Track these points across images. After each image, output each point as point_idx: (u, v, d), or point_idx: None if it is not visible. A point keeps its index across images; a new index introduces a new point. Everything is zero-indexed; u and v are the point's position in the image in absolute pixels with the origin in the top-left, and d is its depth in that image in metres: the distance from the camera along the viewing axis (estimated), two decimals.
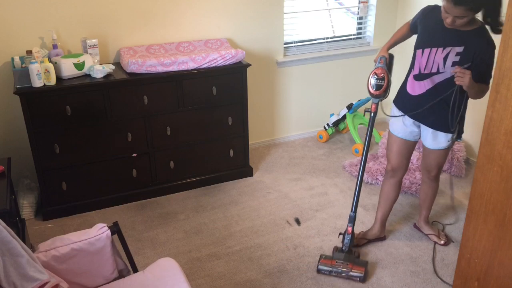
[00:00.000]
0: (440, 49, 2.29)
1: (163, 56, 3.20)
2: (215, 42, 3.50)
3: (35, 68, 2.77)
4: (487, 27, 2.18)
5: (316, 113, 4.30)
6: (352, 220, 2.63)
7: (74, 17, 3.16)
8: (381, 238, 2.87)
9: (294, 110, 4.20)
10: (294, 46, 4.05)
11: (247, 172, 3.63)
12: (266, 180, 3.60)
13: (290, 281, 2.57)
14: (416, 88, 2.45)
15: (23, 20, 3.03)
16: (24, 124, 2.89)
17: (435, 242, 2.83)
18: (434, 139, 2.52)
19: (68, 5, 3.12)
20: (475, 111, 3.63)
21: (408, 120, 2.54)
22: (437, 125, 2.46)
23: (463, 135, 3.76)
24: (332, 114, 4.26)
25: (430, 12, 2.38)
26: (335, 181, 3.57)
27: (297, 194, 3.39)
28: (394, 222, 3.06)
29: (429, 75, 2.37)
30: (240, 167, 3.60)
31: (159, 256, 2.77)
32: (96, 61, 3.16)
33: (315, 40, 4.14)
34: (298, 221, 3.08)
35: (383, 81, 2.43)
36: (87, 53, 3.12)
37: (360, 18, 4.27)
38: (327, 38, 4.19)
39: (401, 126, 2.58)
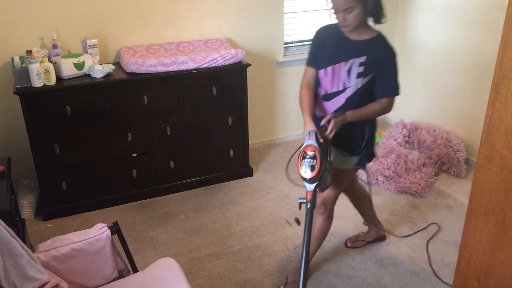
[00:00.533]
0: (343, 63, 2.14)
1: (163, 56, 3.20)
2: (215, 42, 3.50)
3: (35, 68, 2.77)
4: (371, 20, 2.10)
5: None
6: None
7: (74, 17, 3.16)
8: (381, 238, 2.86)
9: (294, 110, 4.20)
10: (294, 46, 4.05)
11: (247, 172, 3.63)
12: (266, 180, 3.60)
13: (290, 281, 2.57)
14: (326, 109, 2.25)
15: (23, 20, 3.03)
16: (24, 124, 2.89)
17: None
18: (338, 159, 2.28)
19: (68, 5, 3.12)
20: (475, 111, 3.63)
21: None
22: (342, 146, 2.27)
23: (464, 135, 3.78)
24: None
25: (322, 32, 2.25)
26: None
27: (297, 194, 3.39)
28: (394, 222, 3.06)
29: (337, 93, 2.19)
30: (240, 167, 3.60)
31: (159, 256, 2.77)
32: (96, 61, 3.16)
33: None
34: (298, 221, 3.07)
35: (315, 161, 1.96)
36: (87, 53, 3.12)
37: None
38: None
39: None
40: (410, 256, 2.74)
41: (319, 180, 2.00)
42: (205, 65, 3.16)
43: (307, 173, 1.98)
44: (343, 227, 3.02)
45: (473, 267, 1.89)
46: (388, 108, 2.20)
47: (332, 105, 2.23)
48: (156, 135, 3.23)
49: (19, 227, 2.56)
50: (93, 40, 3.15)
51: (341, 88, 2.17)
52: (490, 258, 1.80)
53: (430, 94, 4.09)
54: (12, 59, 2.90)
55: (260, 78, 3.90)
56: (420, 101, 4.21)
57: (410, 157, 3.59)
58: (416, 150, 3.82)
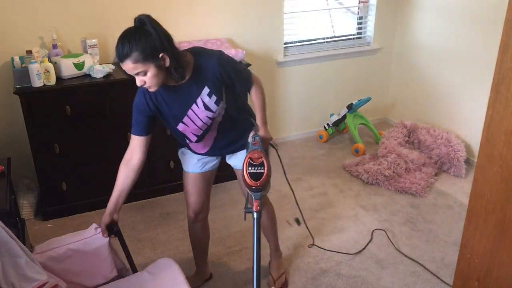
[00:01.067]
0: (194, 105, 1.96)
1: None
2: (215, 42, 3.50)
3: (35, 68, 2.77)
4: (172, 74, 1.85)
5: (316, 113, 4.30)
6: None
7: (74, 17, 3.16)
8: (208, 279, 2.59)
9: (294, 110, 4.20)
10: (294, 46, 4.05)
11: None
12: None
13: (290, 281, 2.56)
14: (205, 144, 2.14)
15: (23, 20, 3.03)
16: (24, 124, 2.89)
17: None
18: (239, 159, 2.20)
19: (68, 5, 3.11)
20: (475, 111, 3.63)
21: (204, 156, 2.24)
22: (237, 149, 2.21)
23: (464, 135, 3.78)
24: (332, 114, 4.25)
25: (143, 101, 2.01)
26: (335, 181, 3.57)
27: (297, 194, 3.39)
28: (394, 222, 3.06)
29: (207, 130, 2.06)
30: None
31: (159, 256, 2.77)
32: (96, 61, 3.16)
33: (315, 40, 4.14)
34: (298, 221, 3.07)
35: (262, 168, 1.77)
36: (87, 53, 3.12)
37: (360, 18, 4.27)
38: (327, 38, 4.19)
39: (195, 162, 2.25)
40: (410, 256, 2.74)
41: (266, 185, 1.81)
42: None
43: (256, 181, 1.76)
44: (343, 227, 3.02)
45: (473, 267, 1.89)
46: (260, 85, 2.12)
47: (208, 141, 2.12)
48: (156, 135, 3.20)
49: (19, 227, 2.56)
50: (93, 40, 3.15)
51: (209, 123, 2.03)
52: (490, 258, 1.80)
53: (430, 94, 4.09)
54: (12, 59, 2.90)
55: (260, 78, 3.89)
56: (420, 101, 4.22)
57: (410, 157, 3.59)
58: (416, 150, 3.82)
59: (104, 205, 3.22)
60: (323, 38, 4.17)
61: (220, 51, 1.99)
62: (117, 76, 3.03)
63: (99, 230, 2.02)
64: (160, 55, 1.78)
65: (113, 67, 3.07)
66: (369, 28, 4.29)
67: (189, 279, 2.23)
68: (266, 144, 2.08)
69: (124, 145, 3.14)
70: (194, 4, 3.45)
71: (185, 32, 3.49)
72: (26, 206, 3.11)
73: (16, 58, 2.90)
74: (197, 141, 2.12)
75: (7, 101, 3.10)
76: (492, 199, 1.73)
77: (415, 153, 3.66)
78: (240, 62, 2.00)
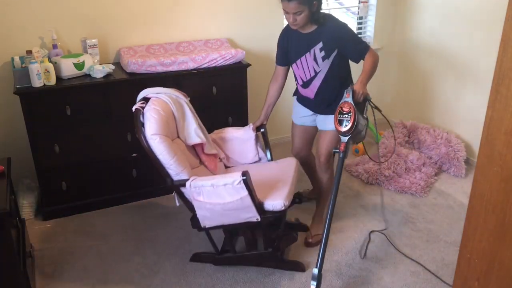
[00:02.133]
0: (307, 54, 2.56)
1: (163, 56, 3.20)
2: (215, 42, 3.50)
3: (35, 68, 2.77)
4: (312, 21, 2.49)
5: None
6: (316, 279, 2.31)
7: (74, 17, 3.16)
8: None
9: None
10: None
11: None
12: None
13: (290, 281, 2.57)
14: (308, 93, 2.72)
15: (23, 20, 3.03)
16: (24, 124, 2.89)
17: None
18: (326, 122, 2.71)
19: (68, 5, 3.11)
20: (475, 111, 3.63)
21: (308, 112, 2.82)
22: (325, 111, 2.71)
23: (464, 135, 3.78)
24: None
25: (283, 35, 2.70)
26: None
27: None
28: (394, 222, 3.06)
29: (311, 80, 2.64)
30: None
31: (159, 256, 2.77)
32: (96, 61, 3.16)
33: None
34: (298, 221, 3.07)
35: (349, 116, 2.35)
36: (87, 53, 3.12)
37: (360, 18, 4.27)
38: None
39: (303, 116, 2.85)
40: (410, 256, 2.74)
41: (352, 133, 2.35)
42: (205, 65, 3.16)
43: (342, 127, 2.35)
44: (343, 227, 3.02)
45: (473, 267, 1.89)
46: (375, 56, 2.52)
47: (310, 90, 2.69)
48: None
49: (19, 227, 2.56)
50: (93, 40, 3.15)
51: (313, 74, 2.61)
52: (490, 258, 1.80)
53: (430, 94, 4.09)
54: (12, 59, 2.91)
55: (260, 78, 3.89)
56: (420, 101, 4.22)
57: (410, 157, 3.60)
58: (416, 150, 3.82)
59: (104, 205, 3.25)
60: None
61: (345, 23, 2.54)
62: (117, 76, 3.04)
63: (250, 126, 2.87)
64: (314, 2, 2.40)
65: (113, 67, 3.07)
66: (369, 28, 4.29)
67: (308, 192, 3.27)
68: (358, 97, 2.42)
69: (124, 145, 3.16)
70: (194, 4, 3.45)
71: (185, 32, 3.49)
72: (26, 206, 3.11)
73: (16, 58, 2.90)
74: (302, 86, 2.71)
75: (7, 101, 3.10)
76: (492, 199, 1.73)
77: (415, 153, 3.66)
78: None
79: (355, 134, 2.39)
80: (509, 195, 1.66)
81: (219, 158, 2.85)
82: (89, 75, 3.02)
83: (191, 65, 3.13)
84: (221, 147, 2.90)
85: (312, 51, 2.54)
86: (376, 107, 2.63)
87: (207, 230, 2.51)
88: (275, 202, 2.37)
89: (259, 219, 2.37)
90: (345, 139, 2.39)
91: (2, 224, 2.09)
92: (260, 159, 2.92)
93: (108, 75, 3.03)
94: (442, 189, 3.44)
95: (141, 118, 2.38)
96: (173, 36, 3.47)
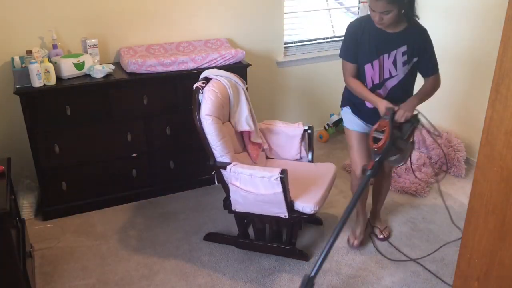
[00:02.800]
0: (386, 55, 2.35)
1: (163, 56, 3.20)
2: (215, 42, 3.50)
3: (35, 68, 2.77)
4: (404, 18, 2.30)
5: (316, 113, 4.30)
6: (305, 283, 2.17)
7: (74, 17, 3.16)
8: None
9: (294, 110, 4.20)
10: (294, 46, 4.05)
11: None
12: None
13: (290, 281, 2.57)
14: (379, 93, 2.47)
15: (23, 20, 3.03)
16: (24, 124, 2.89)
17: (375, 235, 2.91)
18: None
19: (68, 5, 3.11)
20: (475, 111, 3.63)
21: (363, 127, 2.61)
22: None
23: (464, 135, 3.78)
24: (332, 114, 4.25)
25: (357, 27, 2.39)
26: (335, 182, 3.56)
27: None
28: (394, 222, 3.06)
29: (382, 82, 2.42)
30: None
31: (160, 256, 2.77)
32: (96, 61, 3.16)
33: (315, 40, 4.14)
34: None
35: (382, 135, 2.18)
36: (87, 53, 3.12)
37: None
38: (327, 38, 4.19)
39: (361, 125, 2.61)
40: (410, 256, 2.74)
41: (383, 154, 2.16)
42: (205, 65, 3.16)
43: (374, 144, 2.21)
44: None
45: (473, 267, 1.89)
46: (439, 82, 2.42)
47: (382, 91, 2.45)
48: (156, 135, 3.23)
49: (18, 227, 2.56)
50: (93, 40, 3.15)
51: (387, 76, 2.40)
52: (490, 258, 1.80)
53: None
54: (12, 59, 2.90)
55: (260, 78, 3.90)
56: None
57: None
58: (416, 150, 3.81)
59: (104, 205, 3.25)
60: (323, 38, 4.17)
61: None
62: (117, 76, 3.03)
63: (300, 125, 2.91)
64: (406, 1, 2.20)
65: (113, 67, 3.07)
66: None
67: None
68: (399, 118, 2.28)
69: (124, 145, 3.16)
70: (194, 4, 3.45)
71: (185, 32, 3.49)
72: (26, 206, 3.11)
73: (16, 58, 2.90)
74: (371, 89, 2.43)
75: (7, 101, 3.10)
76: (492, 199, 1.73)
77: (415, 153, 3.66)
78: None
79: (389, 155, 2.20)
80: (509, 195, 1.66)
81: (263, 148, 2.95)
82: (89, 75, 3.02)
83: (191, 65, 3.13)
84: (267, 137, 2.98)
85: (393, 53, 2.34)
86: (431, 132, 2.54)
87: (236, 214, 2.64)
88: (306, 205, 2.44)
89: (287, 216, 2.47)
90: (376, 157, 2.20)
91: (2, 224, 2.09)
92: (301, 158, 2.96)
93: (108, 75, 3.03)
94: (442, 189, 3.44)
95: (199, 97, 2.53)
96: (173, 36, 3.47)
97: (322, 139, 4.24)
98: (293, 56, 3.99)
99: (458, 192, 3.40)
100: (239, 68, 3.28)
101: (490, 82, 1.63)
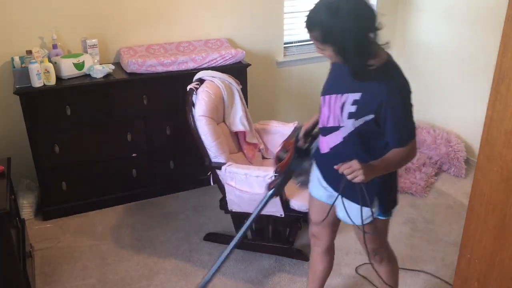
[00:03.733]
0: (339, 95, 1.72)
1: (163, 56, 3.20)
2: (215, 42, 3.50)
3: (35, 68, 2.77)
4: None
5: (316, 113, 4.29)
6: None
7: (74, 17, 3.16)
8: None
9: (294, 110, 4.19)
10: (294, 46, 4.05)
11: None
12: None
13: (290, 281, 2.57)
14: (324, 145, 1.85)
15: (23, 20, 3.03)
16: (24, 124, 2.89)
17: None
18: (346, 210, 1.86)
19: (68, 5, 3.11)
20: (475, 111, 3.63)
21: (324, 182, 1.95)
22: (346, 192, 1.80)
23: (464, 135, 3.78)
24: None
25: None
26: None
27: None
28: (395, 222, 3.06)
29: (332, 129, 1.77)
30: None
31: (160, 256, 2.77)
32: (96, 61, 3.16)
33: None
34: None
35: (286, 155, 1.83)
36: (87, 53, 3.12)
37: None
38: None
39: (318, 186, 1.97)
40: (410, 256, 2.74)
41: (285, 173, 1.86)
42: (205, 65, 3.16)
43: (275, 162, 1.89)
44: (343, 227, 3.02)
45: (473, 267, 1.89)
46: (411, 156, 1.73)
47: (326, 143, 1.82)
48: (156, 135, 3.23)
49: (19, 227, 2.56)
50: (93, 40, 3.15)
51: (336, 124, 1.75)
52: (490, 258, 1.80)
53: (430, 94, 4.09)
54: (12, 59, 2.90)
55: (260, 78, 3.89)
56: (420, 101, 4.20)
57: None
58: (417, 150, 3.81)
59: (104, 205, 3.25)
60: None
61: (408, 90, 1.64)
62: (117, 76, 3.03)
63: (296, 123, 2.75)
64: (339, 44, 1.55)
65: (113, 67, 3.07)
66: None
67: None
68: (351, 175, 1.61)
69: (124, 145, 3.16)
70: (194, 4, 3.45)
71: (185, 32, 3.49)
72: (26, 206, 3.11)
73: (16, 58, 2.90)
74: (322, 132, 1.86)
75: (7, 101, 3.10)
76: (492, 199, 1.73)
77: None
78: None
79: (295, 175, 1.91)
80: (509, 195, 1.66)
81: (259, 148, 2.95)
82: (89, 75, 3.02)
83: (191, 65, 3.13)
84: (263, 138, 3.00)
85: (344, 96, 1.70)
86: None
87: (232, 214, 2.65)
88: (301, 204, 2.44)
89: (283, 215, 2.48)
90: (276, 177, 1.94)
91: (2, 224, 2.09)
92: None
93: (108, 75, 3.03)
94: (442, 189, 3.44)
95: (193, 98, 2.53)
96: (173, 36, 3.47)
97: None
98: (293, 56, 3.99)
99: (458, 192, 3.40)
100: (239, 68, 3.28)
101: (490, 82, 1.63)
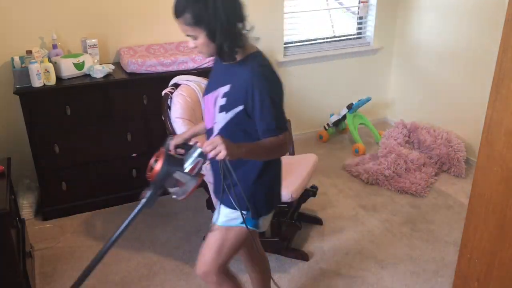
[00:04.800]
0: (212, 93, 1.68)
1: (163, 56, 3.20)
2: None
3: (35, 68, 2.77)
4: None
5: (316, 113, 4.30)
6: None
7: (74, 17, 3.16)
8: None
9: (294, 110, 4.19)
10: (294, 46, 4.05)
11: None
12: None
13: (290, 281, 2.57)
14: None
15: (23, 20, 3.03)
16: (24, 124, 2.89)
17: None
18: (220, 212, 1.87)
19: (68, 5, 3.11)
20: (475, 111, 3.63)
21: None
22: (216, 193, 1.84)
23: (464, 135, 3.78)
24: (332, 114, 4.25)
25: None
26: (335, 181, 3.57)
27: None
28: (394, 222, 3.06)
29: (212, 131, 1.72)
30: None
31: (160, 256, 2.77)
32: (96, 61, 3.16)
33: (315, 40, 4.14)
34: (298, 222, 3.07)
35: (156, 164, 1.70)
36: (87, 53, 3.12)
37: (360, 18, 4.27)
38: (327, 38, 4.19)
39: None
40: (410, 256, 2.74)
41: (156, 183, 1.79)
42: (205, 65, 3.16)
43: (148, 172, 1.77)
44: (343, 227, 3.02)
45: (473, 267, 1.89)
46: (280, 148, 1.63)
47: None
48: (156, 135, 3.23)
49: (18, 227, 2.56)
50: (93, 40, 3.15)
51: (211, 125, 1.71)
52: (490, 258, 1.80)
53: (430, 94, 4.09)
54: (12, 59, 2.90)
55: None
56: (420, 101, 4.21)
57: (410, 157, 3.59)
58: (416, 150, 3.81)
59: (104, 205, 3.25)
60: (323, 38, 4.17)
61: (275, 77, 1.61)
62: (117, 76, 3.03)
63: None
64: (220, 24, 1.52)
65: (113, 67, 3.07)
66: (369, 28, 4.29)
67: None
68: (206, 149, 1.53)
69: (124, 145, 3.16)
70: None
71: None
72: (26, 206, 3.11)
73: (16, 58, 2.90)
74: (206, 136, 1.78)
75: (7, 101, 3.10)
76: (492, 199, 1.73)
77: (415, 153, 3.66)
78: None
79: (167, 185, 1.85)
80: (509, 195, 1.66)
81: None
82: (89, 75, 3.02)
83: (191, 65, 3.13)
84: None
85: (216, 91, 1.66)
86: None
87: None
88: (283, 193, 2.41)
89: None
90: (150, 188, 1.85)
91: (2, 224, 2.09)
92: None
93: (108, 75, 3.03)
94: (442, 189, 3.44)
95: (169, 102, 2.54)
96: (173, 36, 3.47)
97: (322, 139, 4.24)
98: (293, 56, 3.99)
99: (458, 192, 3.40)
100: None
101: (490, 82, 1.63)
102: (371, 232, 2.96)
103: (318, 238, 2.91)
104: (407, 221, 3.07)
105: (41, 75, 2.81)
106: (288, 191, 2.47)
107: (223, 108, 1.64)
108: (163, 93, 2.59)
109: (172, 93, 2.60)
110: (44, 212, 3.12)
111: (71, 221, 3.12)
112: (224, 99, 1.63)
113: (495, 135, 1.66)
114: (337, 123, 4.21)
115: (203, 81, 2.77)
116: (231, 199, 1.75)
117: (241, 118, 1.62)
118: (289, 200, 2.48)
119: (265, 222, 1.84)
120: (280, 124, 1.60)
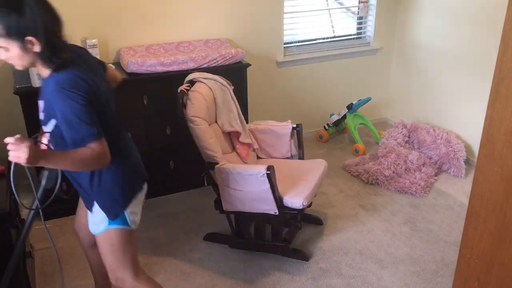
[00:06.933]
0: (40, 102, 1.76)
1: (163, 56, 3.20)
2: (215, 42, 3.50)
3: (35, 68, 2.77)
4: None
5: (316, 113, 4.30)
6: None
7: (74, 17, 3.16)
8: None
9: (294, 110, 4.20)
10: (294, 46, 4.05)
11: None
12: None
13: (290, 281, 2.57)
14: None
15: None
16: (24, 124, 2.88)
17: None
18: (90, 216, 1.90)
19: (68, 5, 3.11)
20: (475, 111, 3.63)
21: None
22: (93, 194, 1.87)
23: (464, 135, 3.78)
24: (332, 114, 4.25)
25: None
26: (335, 181, 3.57)
27: None
28: (394, 222, 3.06)
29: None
30: None
31: (160, 256, 2.77)
32: None
33: (315, 40, 4.14)
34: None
35: None
36: None
37: (360, 18, 4.27)
38: (327, 38, 4.19)
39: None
40: (410, 256, 2.74)
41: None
42: (205, 65, 3.16)
43: None
44: (343, 227, 3.02)
45: (473, 267, 1.89)
46: (94, 159, 1.61)
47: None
48: (156, 135, 3.23)
49: (19, 227, 2.56)
50: (93, 40, 3.15)
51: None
52: (490, 258, 1.80)
53: (430, 94, 4.09)
54: None
55: (260, 78, 3.90)
56: (420, 101, 4.21)
57: (410, 157, 3.60)
58: (416, 150, 3.82)
59: None
60: (323, 38, 4.17)
61: (76, 73, 1.60)
62: None
63: (289, 124, 2.86)
64: (29, 37, 1.52)
65: (113, 67, 3.06)
66: (369, 28, 4.29)
67: None
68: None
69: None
70: (194, 4, 3.45)
71: (185, 32, 3.49)
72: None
73: None
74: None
75: (7, 101, 3.10)
76: (492, 199, 1.73)
77: (415, 153, 3.66)
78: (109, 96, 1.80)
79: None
80: (509, 195, 1.66)
81: (253, 148, 2.95)
82: None
83: (191, 65, 3.13)
84: (257, 138, 3.00)
85: (39, 105, 1.76)
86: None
87: (227, 213, 2.65)
88: (295, 200, 2.46)
89: (277, 213, 2.49)
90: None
91: (2, 224, 2.09)
92: (292, 156, 2.96)
93: None
94: (442, 189, 3.44)
95: (184, 100, 2.55)
96: (173, 36, 3.47)
97: (322, 139, 4.24)
98: (293, 56, 3.99)
99: (458, 192, 3.40)
100: (239, 68, 3.29)
101: (490, 82, 1.63)
102: (371, 232, 2.96)
103: (318, 238, 2.91)
104: (407, 221, 3.08)
105: (41, 75, 2.81)
106: (300, 198, 2.46)
107: (43, 122, 1.71)
108: (179, 89, 2.60)
109: (188, 90, 2.61)
110: (44, 212, 3.11)
111: (71, 221, 3.11)
112: (42, 114, 1.70)
113: (495, 135, 1.66)
114: (337, 123, 4.21)
115: (219, 79, 2.80)
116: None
117: (58, 129, 1.64)
118: (301, 207, 2.47)
119: (132, 216, 1.90)
120: (85, 135, 1.56)
